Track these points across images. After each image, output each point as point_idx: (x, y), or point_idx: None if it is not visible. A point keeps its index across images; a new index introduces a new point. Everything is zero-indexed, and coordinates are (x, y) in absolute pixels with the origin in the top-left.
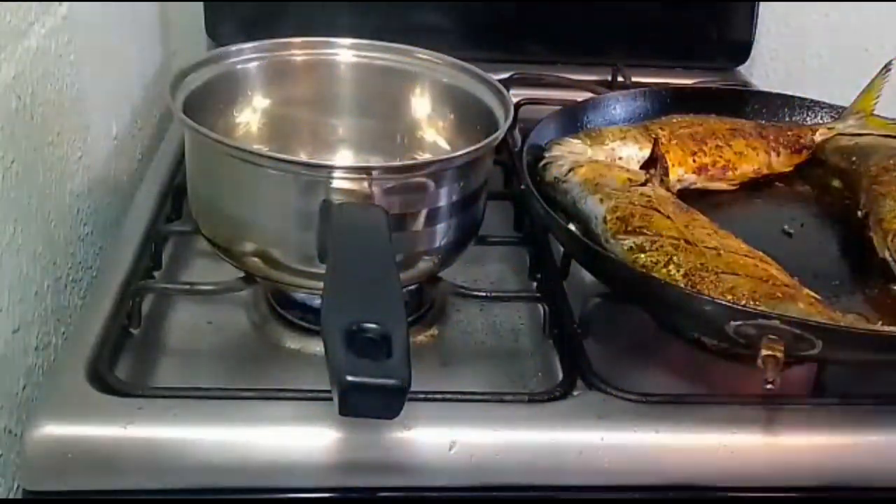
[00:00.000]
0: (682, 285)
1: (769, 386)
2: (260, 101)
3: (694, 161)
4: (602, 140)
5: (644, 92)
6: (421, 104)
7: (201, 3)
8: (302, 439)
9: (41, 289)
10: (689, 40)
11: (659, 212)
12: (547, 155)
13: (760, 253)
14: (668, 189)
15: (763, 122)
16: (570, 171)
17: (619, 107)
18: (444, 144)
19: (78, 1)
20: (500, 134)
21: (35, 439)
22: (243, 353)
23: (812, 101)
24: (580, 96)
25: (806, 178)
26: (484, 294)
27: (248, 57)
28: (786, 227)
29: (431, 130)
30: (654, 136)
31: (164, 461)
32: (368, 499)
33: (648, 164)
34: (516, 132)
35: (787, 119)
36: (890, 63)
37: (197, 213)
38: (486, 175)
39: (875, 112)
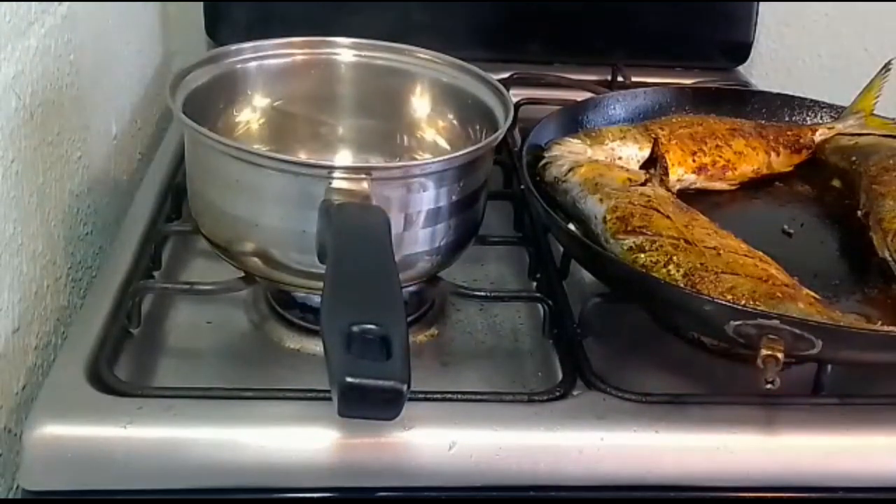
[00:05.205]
0: (682, 285)
1: (769, 386)
2: (260, 101)
3: (694, 161)
4: (602, 140)
5: (644, 92)
6: (421, 104)
7: (201, 3)
8: (302, 439)
9: (41, 289)
10: (689, 40)
11: (659, 212)
12: (547, 155)
13: (760, 253)
14: (667, 189)
15: (763, 122)
16: (569, 170)
17: (618, 107)
18: (444, 144)
19: (78, 1)
20: (500, 134)
21: (35, 439)
22: (243, 353)
23: (812, 101)
24: (580, 96)
25: (806, 178)
26: (484, 294)
27: (248, 57)
28: (786, 227)
29: (431, 130)
30: (653, 135)
31: (163, 461)
32: (368, 499)
33: (648, 164)
34: (516, 132)
35: (786, 119)
36: (890, 63)
37: (197, 213)
38: (486, 175)
39: (875, 112)
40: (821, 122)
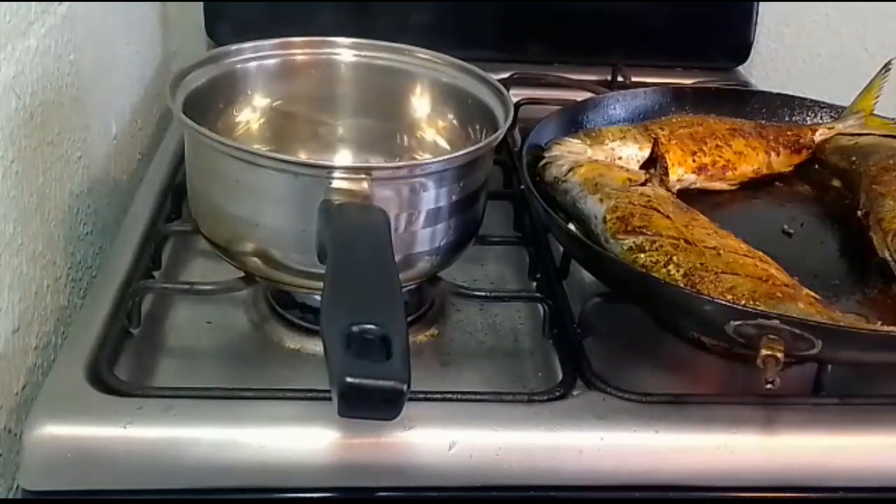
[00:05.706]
0: (682, 285)
1: (769, 386)
2: (260, 101)
3: (694, 161)
4: (602, 140)
5: (644, 92)
6: (421, 104)
7: (201, 3)
8: (302, 439)
9: (41, 289)
10: (689, 40)
11: (659, 212)
12: (547, 155)
13: (760, 253)
14: (667, 189)
15: (763, 122)
16: (569, 170)
17: (618, 107)
18: (444, 144)
19: (78, 1)
20: (500, 134)
21: (35, 439)
22: (243, 353)
23: (812, 101)
24: (580, 96)
25: (806, 178)
26: (484, 294)
27: (248, 57)
28: (786, 227)
29: (431, 130)
30: (653, 135)
31: (163, 461)
32: (368, 499)
33: (648, 164)
34: (516, 132)
35: (786, 119)
36: (890, 63)
37: (197, 213)
38: (486, 175)
39: (875, 112)
40: (821, 122)
